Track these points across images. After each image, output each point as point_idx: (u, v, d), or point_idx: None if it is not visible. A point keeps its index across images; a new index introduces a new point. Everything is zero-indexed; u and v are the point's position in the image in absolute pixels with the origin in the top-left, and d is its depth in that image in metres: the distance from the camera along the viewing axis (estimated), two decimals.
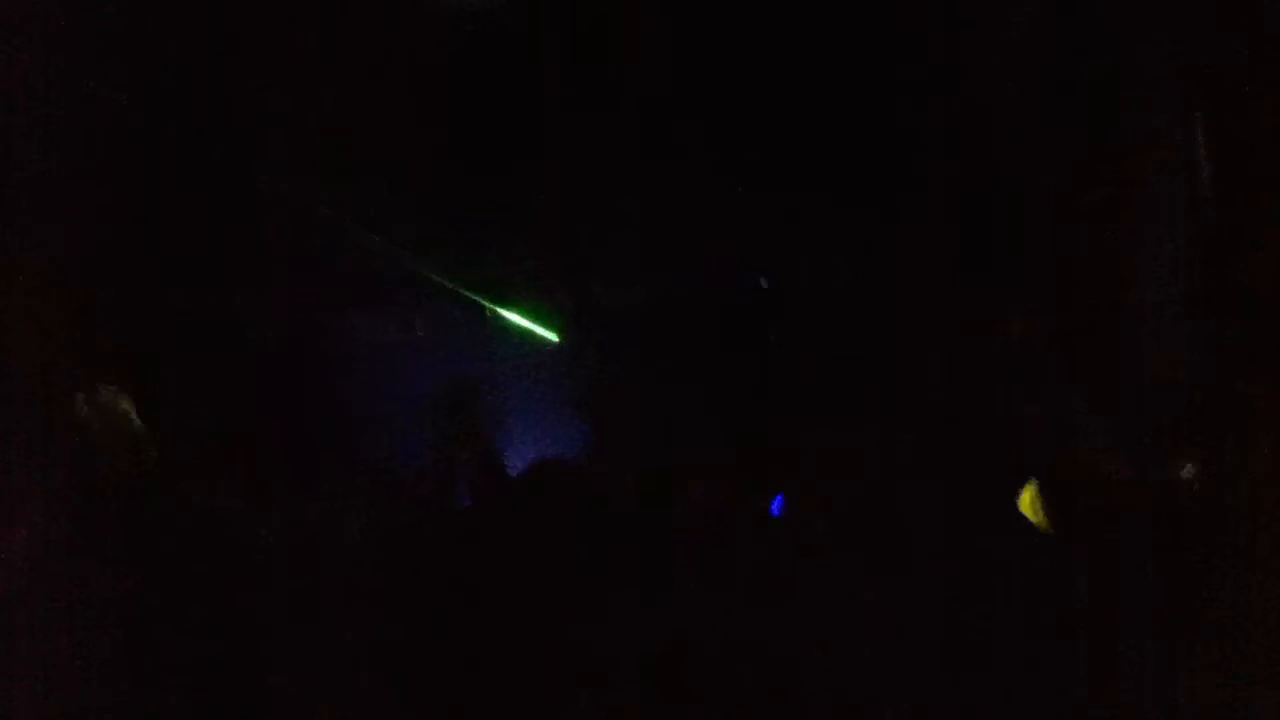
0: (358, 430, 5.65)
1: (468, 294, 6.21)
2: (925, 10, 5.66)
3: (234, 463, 5.24)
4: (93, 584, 4.74)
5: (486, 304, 6.17)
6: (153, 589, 4.79)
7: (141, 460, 4.92)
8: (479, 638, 4.93)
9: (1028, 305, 5.63)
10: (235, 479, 5.19)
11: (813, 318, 5.77)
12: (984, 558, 5.00)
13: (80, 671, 4.67)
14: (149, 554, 4.83)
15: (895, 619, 4.94)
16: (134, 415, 4.94)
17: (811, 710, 4.88)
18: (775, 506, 5.42)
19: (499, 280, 6.20)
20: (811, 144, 5.77)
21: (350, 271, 5.94)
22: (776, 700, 4.86)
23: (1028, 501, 5.05)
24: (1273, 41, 5.17)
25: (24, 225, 5.07)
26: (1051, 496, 5.02)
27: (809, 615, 4.98)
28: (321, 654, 4.88)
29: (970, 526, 5.05)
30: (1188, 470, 4.99)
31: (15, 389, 4.87)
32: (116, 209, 5.32)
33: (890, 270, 5.70)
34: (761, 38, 5.73)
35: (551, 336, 6.14)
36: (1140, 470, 5.19)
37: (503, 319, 6.21)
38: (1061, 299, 5.59)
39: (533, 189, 5.89)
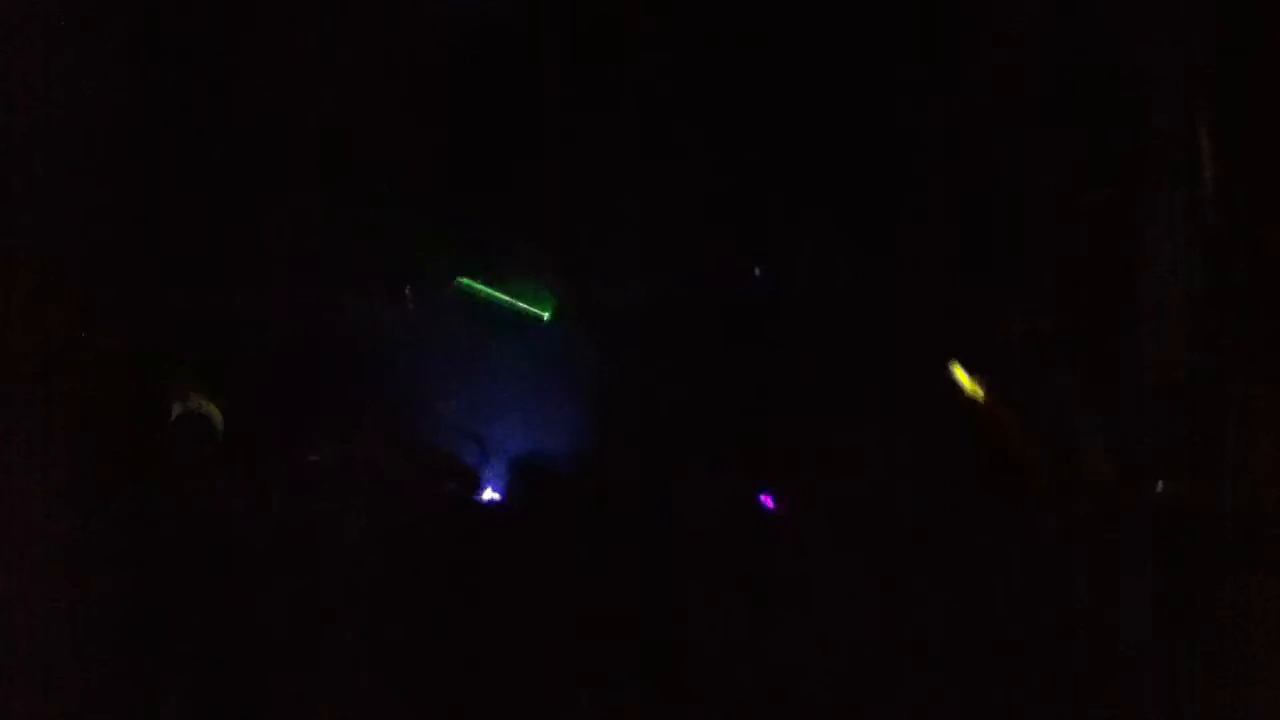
0: (357, 430, 5.65)
1: (467, 287, 6.20)
2: (926, 10, 5.66)
3: (234, 463, 5.25)
4: (93, 584, 4.75)
5: (482, 289, 6.14)
6: (153, 589, 4.79)
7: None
8: (479, 637, 4.93)
9: (1028, 305, 5.63)
10: (235, 479, 5.20)
11: (813, 317, 5.76)
12: (984, 557, 5.00)
13: (80, 671, 4.67)
14: (149, 554, 4.84)
15: (895, 619, 4.95)
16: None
17: (812, 710, 4.88)
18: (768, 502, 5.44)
19: (498, 277, 6.20)
20: (812, 144, 5.76)
21: (350, 273, 5.94)
22: (776, 700, 4.86)
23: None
24: (1273, 41, 5.17)
25: (24, 225, 5.07)
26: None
27: (809, 614, 4.98)
28: (321, 654, 4.89)
29: (970, 526, 5.05)
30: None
31: (15, 389, 4.88)
32: (116, 209, 5.32)
33: (890, 270, 5.69)
34: (762, 38, 5.73)
35: (543, 314, 6.10)
36: (1139, 470, 5.19)
37: (498, 302, 6.18)
38: (1061, 299, 5.58)
39: (533, 188, 5.89)
